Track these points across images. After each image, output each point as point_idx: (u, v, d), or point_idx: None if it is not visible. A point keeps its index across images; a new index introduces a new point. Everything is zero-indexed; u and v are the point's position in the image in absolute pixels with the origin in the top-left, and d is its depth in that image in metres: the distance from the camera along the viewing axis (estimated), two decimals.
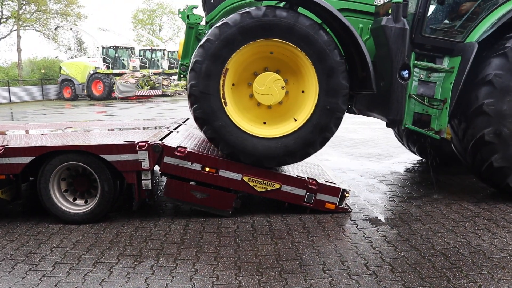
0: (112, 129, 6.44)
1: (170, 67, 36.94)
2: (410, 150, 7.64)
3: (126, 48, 33.33)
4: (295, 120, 4.85)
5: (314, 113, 4.75)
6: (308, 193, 4.89)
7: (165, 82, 31.91)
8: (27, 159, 4.68)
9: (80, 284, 3.46)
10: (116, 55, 32.29)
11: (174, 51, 38.92)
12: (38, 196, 4.79)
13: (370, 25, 5.29)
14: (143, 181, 4.74)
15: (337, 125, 4.81)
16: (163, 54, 36.34)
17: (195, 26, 5.54)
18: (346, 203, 5.08)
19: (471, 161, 5.32)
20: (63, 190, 4.87)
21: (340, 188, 4.96)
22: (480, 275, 3.47)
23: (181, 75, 5.72)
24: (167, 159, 4.75)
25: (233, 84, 4.79)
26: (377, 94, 5.02)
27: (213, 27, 4.68)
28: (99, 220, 4.84)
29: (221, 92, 4.67)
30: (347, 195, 5.00)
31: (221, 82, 4.66)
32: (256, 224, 4.70)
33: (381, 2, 5.31)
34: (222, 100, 4.68)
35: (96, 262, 3.84)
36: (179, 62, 5.71)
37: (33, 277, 3.58)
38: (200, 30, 5.57)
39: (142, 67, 33.11)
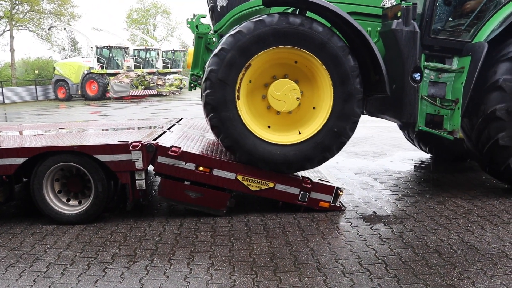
0: (106, 129, 6.42)
1: (164, 67, 36.88)
2: (421, 149, 7.72)
3: (120, 48, 33.23)
4: (300, 133, 4.88)
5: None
6: (302, 192, 4.90)
7: (160, 82, 31.84)
8: (20, 160, 4.66)
9: (74, 285, 3.45)
10: (110, 55, 32.18)
11: (169, 51, 38.88)
12: (31, 197, 4.78)
13: (378, 28, 5.30)
14: (137, 181, 4.73)
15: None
16: (158, 53, 36.26)
17: (204, 35, 5.54)
18: (340, 202, 5.10)
19: (487, 163, 5.41)
20: (56, 191, 4.85)
21: (334, 187, 4.97)
22: (473, 271, 3.49)
23: (192, 85, 5.73)
24: (161, 159, 4.74)
25: (250, 81, 4.77)
26: (389, 97, 5.03)
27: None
28: (93, 221, 4.83)
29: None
30: (341, 193, 5.02)
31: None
32: (250, 223, 4.71)
33: (389, 5, 5.33)
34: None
35: (91, 263, 3.83)
36: (190, 72, 5.71)
37: (27, 279, 3.57)
38: (209, 40, 5.57)
39: (136, 67, 33.02)
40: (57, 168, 4.77)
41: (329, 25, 4.99)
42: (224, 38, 4.69)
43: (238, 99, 4.69)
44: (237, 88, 4.66)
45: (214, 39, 5.56)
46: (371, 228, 4.50)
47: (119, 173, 4.72)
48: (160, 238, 4.35)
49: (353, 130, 4.83)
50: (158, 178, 5.07)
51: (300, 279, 3.44)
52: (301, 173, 5.08)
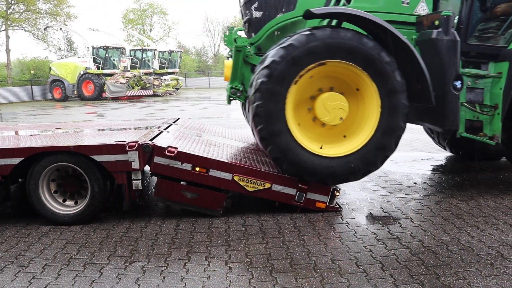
0: (103, 130, 6.41)
1: (161, 67, 36.84)
2: (447, 149, 7.83)
3: (116, 48, 33.17)
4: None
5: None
6: (298, 192, 4.90)
7: (156, 82, 31.81)
8: (16, 160, 4.64)
9: (70, 285, 3.44)
10: (107, 55, 32.12)
11: (165, 51, 38.82)
12: (27, 197, 4.76)
13: (414, 36, 5.34)
14: (133, 181, 4.72)
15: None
16: (154, 54, 36.22)
17: (242, 49, 5.58)
18: (336, 202, 5.10)
19: None
20: (53, 191, 4.84)
21: (331, 187, 4.98)
22: (469, 272, 3.50)
23: (231, 98, 5.79)
24: (157, 159, 4.74)
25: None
26: (429, 105, 5.07)
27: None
28: (89, 221, 4.82)
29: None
30: (337, 194, 5.02)
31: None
32: (247, 223, 4.71)
33: (422, 12, 5.38)
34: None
35: (87, 263, 3.82)
36: (228, 85, 5.78)
37: (23, 280, 3.56)
38: (247, 53, 5.61)
39: (132, 67, 32.98)
40: (53, 169, 4.75)
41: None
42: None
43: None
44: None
45: (252, 51, 5.63)
46: (367, 228, 4.50)
47: (116, 173, 4.71)
48: (156, 239, 4.35)
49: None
50: (155, 179, 5.06)
51: (296, 279, 3.44)
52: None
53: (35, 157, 4.68)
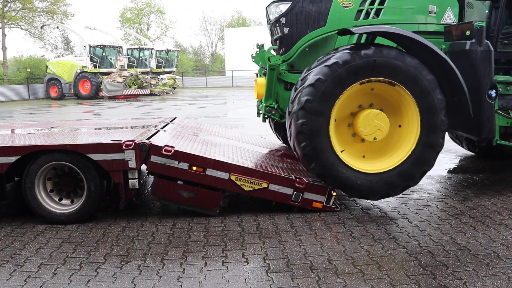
0: (99, 128, 6.39)
1: (158, 66, 36.78)
2: (464, 147, 7.98)
3: (113, 47, 33.07)
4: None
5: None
6: (295, 192, 4.90)
7: (153, 81, 31.75)
8: (12, 159, 4.62)
9: (66, 285, 3.42)
10: (104, 54, 32.01)
11: (162, 50, 38.77)
12: (23, 196, 4.74)
13: (444, 46, 5.43)
14: (130, 180, 4.71)
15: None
16: (151, 53, 36.15)
17: (276, 67, 5.67)
18: (333, 202, 5.10)
19: None
20: (49, 190, 4.82)
21: (328, 187, 4.98)
22: (465, 272, 3.51)
23: (266, 116, 5.91)
24: (154, 158, 4.72)
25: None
26: (464, 114, 5.14)
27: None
28: (85, 220, 4.80)
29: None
30: (334, 194, 5.02)
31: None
32: (243, 223, 4.70)
33: (448, 21, 5.45)
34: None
35: (83, 263, 3.81)
36: (262, 103, 5.89)
37: (18, 279, 3.54)
38: (281, 71, 5.71)
39: (129, 66, 32.91)
40: (50, 167, 4.73)
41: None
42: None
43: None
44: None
45: (284, 69, 5.73)
46: (364, 228, 4.51)
47: (112, 172, 4.69)
48: (153, 238, 4.33)
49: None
50: (151, 178, 5.05)
51: (292, 279, 3.43)
52: (295, 174, 5.09)
53: (31, 155, 4.66)
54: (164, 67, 37.32)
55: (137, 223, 4.76)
